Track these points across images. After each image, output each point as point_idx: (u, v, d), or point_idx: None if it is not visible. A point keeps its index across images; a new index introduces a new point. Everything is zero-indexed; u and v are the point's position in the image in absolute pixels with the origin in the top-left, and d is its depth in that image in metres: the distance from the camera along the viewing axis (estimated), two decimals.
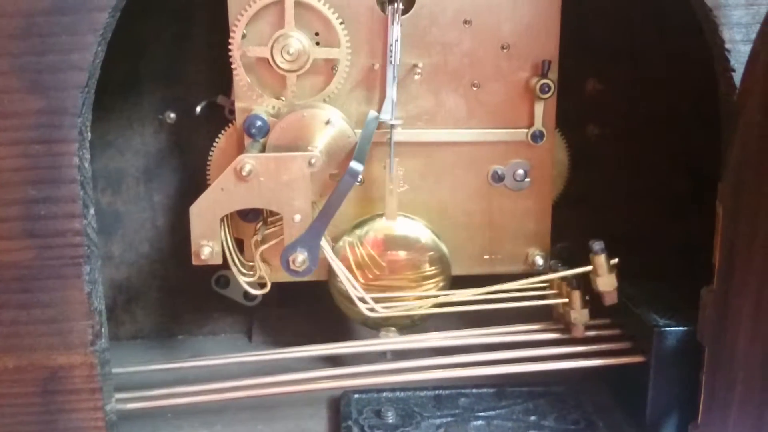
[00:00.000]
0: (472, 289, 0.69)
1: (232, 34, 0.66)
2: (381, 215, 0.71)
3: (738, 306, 0.54)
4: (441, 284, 0.72)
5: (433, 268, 0.71)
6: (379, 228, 0.71)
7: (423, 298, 0.71)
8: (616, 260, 0.67)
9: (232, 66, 0.67)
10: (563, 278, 0.69)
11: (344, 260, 0.70)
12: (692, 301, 0.61)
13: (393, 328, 0.71)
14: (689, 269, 0.65)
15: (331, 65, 0.68)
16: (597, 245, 0.66)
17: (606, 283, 0.67)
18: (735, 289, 0.54)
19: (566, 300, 0.69)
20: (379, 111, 0.68)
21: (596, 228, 0.70)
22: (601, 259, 0.67)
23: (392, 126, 0.68)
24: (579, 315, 0.68)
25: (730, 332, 0.55)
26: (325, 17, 0.66)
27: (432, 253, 0.71)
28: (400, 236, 0.71)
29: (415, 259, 0.71)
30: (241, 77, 0.67)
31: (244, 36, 0.67)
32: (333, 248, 0.69)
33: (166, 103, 0.77)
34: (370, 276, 0.71)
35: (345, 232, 0.71)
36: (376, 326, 0.72)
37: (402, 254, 0.71)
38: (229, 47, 0.66)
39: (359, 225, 0.71)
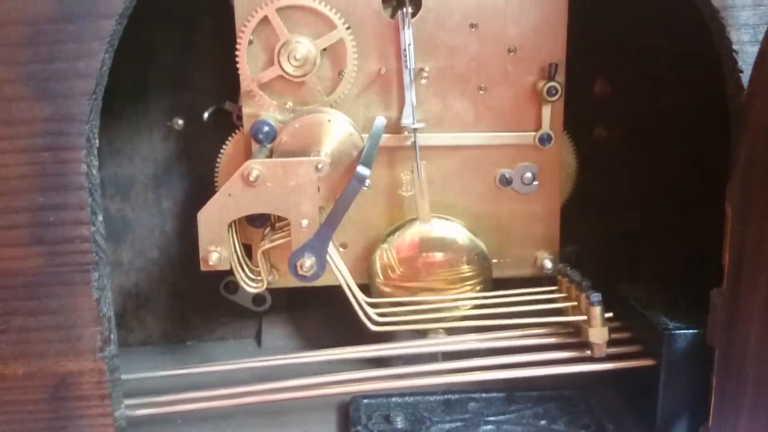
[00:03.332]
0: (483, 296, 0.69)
1: (238, 41, 0.66)
2: (415, 219, 0.71)
3: (748, 308, 0.53)
4: (480, 286, 0.72)
5: (471, 268, 0.71)
6: (415, 231, 0.71)
7: (429, 302, 0.71)
8: (610, 314, 0.67)
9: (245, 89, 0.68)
10: (578, 288, 0.68)
11: (383, 267, 0.71)
12: (702, 303, 0.61)
13: (442, 330, 0.72)
14: (699, 271, 0.65)
15: (338, 70, 0.68)
16: (595, 297, 0.66)
17: (598, 335, 0.66)
18: (745, 291, 0.54)
19: (584, 317, 0.67)
20: (387, 115, 0.69)
21: (604, 230, 0.70)
22: (596, 311, 0.66)
23: (415, 130, 0.68)
24: (599, 333, 0.66)
25: (741, 334, 0.54)
26: (332, 22, 0.66)
27: (471, 253, 0.71)
28: (437, 238, 0.71)
29: (453, 259, 0.71)
30: (259, 97, 0.68)
31: (251, 42, 0.67)
32: (372, 257, 0.71)
33: (174, 110, 0.78)
34: (410, 281, 0.71)
35: (380, 240, 0.72)
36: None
37: (439, 256, 0.71)
38: (236, 54, 0.67)
39: (394, 231, 0.72)
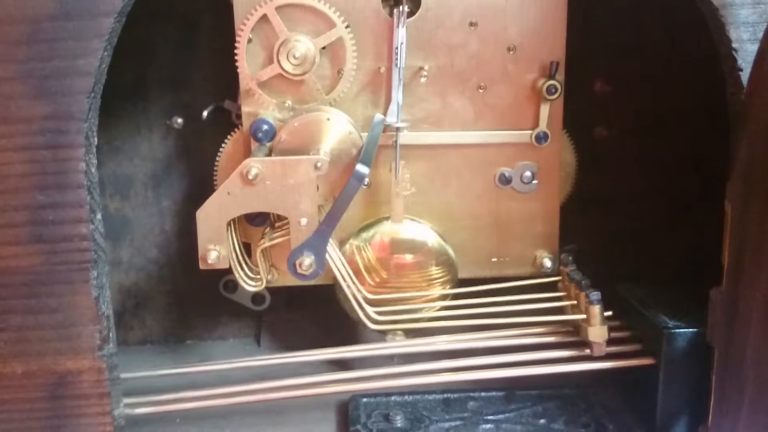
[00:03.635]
0: (481, 298, 0.69)
1: (238, 39, 0.66)
2: (387, 218, 0.71)
3: (747, 307, 0.53)
4: (447, 287, 0.72)
5: (439, 270, 0.71)
6: (386, 231, 0.71)
7: (428, 300, 0.71)
8: (610, 313, 0.67)
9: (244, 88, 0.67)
10: (578, 287, 0.68)
11: (351, 263, 0.70)
12: (702, 302, 0.61)
13: (400, 332, 0.71)
14: (698, 269, 0.65)
15: (338, 69, 0.68)
16: (594, 296, 0.66)
17: (597, 334, 0.66)
18: (744, 290, 0.54)
19: (584, 316, 0.67)
20: (385, 114, 0.69)
21: (604, 229, 0.70)
22: (596, 310, 0.66)
23: (398, 129, 0.68)
24: (599, 332, 0.66)
25: (740, 333, 0.54)
26: (331, 20, 0.66)
27: (438, 256, 0.71)
28: (406, 239, 0.71)
29: (422, 262, 0.71)
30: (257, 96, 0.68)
31: (250, 41, 0.67)
32: (340, 251, 0.70)
33: (174, 109, 0.78)
34: (377, 279, 0.71)
35: (351, 236, 0.71)
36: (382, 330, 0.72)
37: (408, 257, 0.71)
38: (235, 53, 0.67)
39: (365, 228, 0.71)
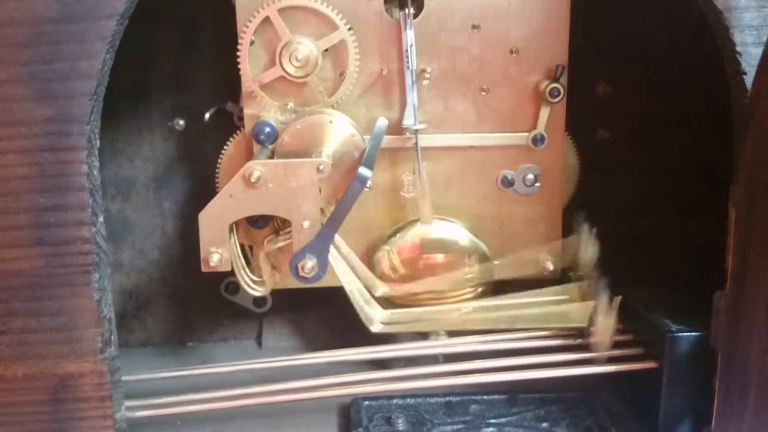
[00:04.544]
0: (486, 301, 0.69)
1: (240, 41, 0.66)
2: (416, 221, 0.71)
3: (752, 310, 0.53)
4: (481, 287, 0.72)
5: (472, 269, 0.71)
6: (417, 233, 0.71)
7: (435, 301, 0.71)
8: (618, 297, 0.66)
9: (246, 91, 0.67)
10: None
11: (384, 269, 0.71)
12: (705, 305, 0.60)
13: (443, 332, 0.71)
14: (702, 273, 0.64)
15: (340, 71, 0.68)
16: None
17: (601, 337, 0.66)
18: (749, 294, 0.54)
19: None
20: (389, 117, 0.69)
21: (606, 232, 0.70)
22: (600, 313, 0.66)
23: (417, 131, 0.68)
24: (602, 336, 0.66)
25: (744, 337, 0.54)
26: (334, 23, 0.66)
27: (472, 254, 0.71)
28: (438, 239, 0.71)
29: (454, 261, 0.71)
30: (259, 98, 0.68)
31: (252, 43, 0.67)
32: (373, 258, 0.71)
33: (175, 110, 0.77)
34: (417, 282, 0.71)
35: (381, 242, 0.72)
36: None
37: (441, 257, 0.71)
38: (238, 55, 0.66)
39: (395, 232, 0.72)
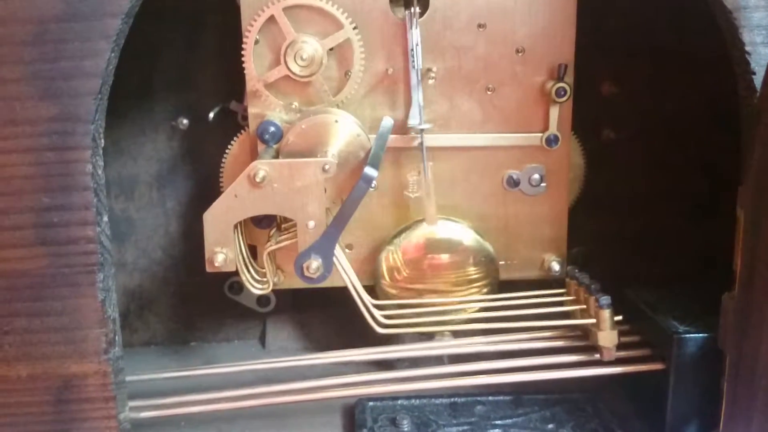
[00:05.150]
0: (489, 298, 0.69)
1: (245, 40, 0.66)
2: (421, 221, 0.71)
3: (760, 312, 0.53)
4: (487, 288, 0.72)
5: (477, 270, 0.71)
6: (422, 233, 0.71)
7: (436, 304, 0.70)
8: (619, 317, 0.66)
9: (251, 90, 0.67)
10: (586, 291, 0.68)
11: (389, 269, 0.71)
12: (712, 306, 0.60)
13: (448, 333, 0.71)
14: (708, 273, 0.64)
15: (345, 70, 0.68)
16: (604, 300, 0.65)
17: (607, 339, 0.65)
18: (757, 295, 0.53)
19: (593, 321, 0.66)
20: (394, 116, 0.68)
21: (613, 232, 0.70)
22: (605, 314, 0.65)
23: (422, 130, 0.68)
24: (608, 337, 0.65)
25: (752, 339, 0.54)
26: (339, 21, 0.66)
27: (477, 255, 0.71)
28: (443, 240, 0.71)
29: (460, 261, 0.71)
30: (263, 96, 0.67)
31: (257, 42, 0.66)
32: (378, 258, 0.71)
33: (179, 110, 0.77)
34: (416, 283, 0.71)
35: (385, 241, 0.72)
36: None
37: (446, 257, 0.71)
38: (242, 54, 0.66)
39: (400, 232, 0.71)
